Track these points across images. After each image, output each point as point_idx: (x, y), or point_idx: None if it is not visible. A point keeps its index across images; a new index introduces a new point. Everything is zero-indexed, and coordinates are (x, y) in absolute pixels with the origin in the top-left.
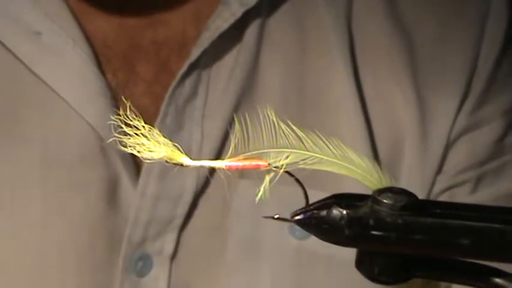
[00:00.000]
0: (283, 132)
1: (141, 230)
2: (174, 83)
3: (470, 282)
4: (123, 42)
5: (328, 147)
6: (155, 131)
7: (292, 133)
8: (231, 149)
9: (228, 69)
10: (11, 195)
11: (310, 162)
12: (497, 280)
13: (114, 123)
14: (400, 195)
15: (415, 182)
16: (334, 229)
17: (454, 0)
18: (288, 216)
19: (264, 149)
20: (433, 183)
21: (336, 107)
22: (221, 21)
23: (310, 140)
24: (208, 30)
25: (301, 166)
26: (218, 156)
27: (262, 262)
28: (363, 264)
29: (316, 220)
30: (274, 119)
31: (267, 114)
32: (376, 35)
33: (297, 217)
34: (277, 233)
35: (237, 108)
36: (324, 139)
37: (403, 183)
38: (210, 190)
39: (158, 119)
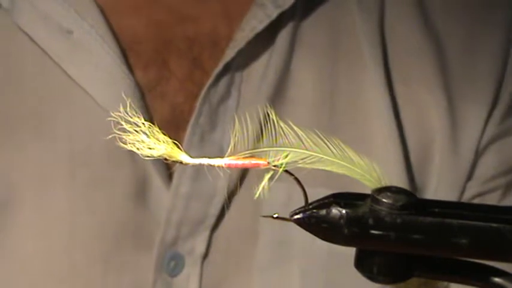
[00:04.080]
0: (283, 131)
1: (174, 230)
2: (209, 82)
3: (469, 281)
4: (154, 38)
5: (328, 146)
6: (155, 128)
7: (291, 132)
8: (230, 148)
9: (261, 71)
10: (39, 194)
11: (309, 161)
12: (496, 279)
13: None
14: (399, 194)
15: (444, 187)
16: (334, 228)
17: (481, 8)
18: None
19: (263, 147)
20: (463, 190)
21: (367, 111)
22: (256, 22)
23: (309, 139)
24: (243, 31)
25: (300, 165)
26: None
27: (292, 263)
28: (362, 264)
29: (315, 219)
30: (274, 117)
31: (267, 113)
32: (408, 41)
33: (296, 216)
34: (307, 234)
35: (271, 106)
36: (323, 138)
37: (432, 188)
38: (241, 191)
39: (192, 118)
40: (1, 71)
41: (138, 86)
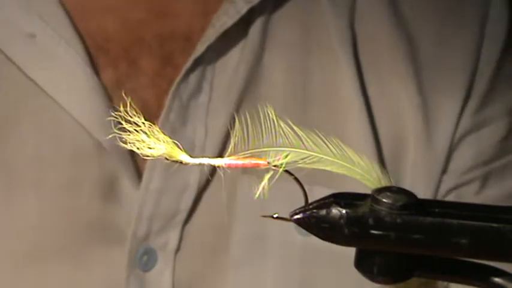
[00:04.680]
0: (283, 131)
1: (145, 225)
2: (178, 78)
3: (469, 281)
4: (124, 37)
5: (328, 146)
6: (155, 128)
7: (291, 132)
8: (230, 147)
9: (233, 66)
10: (6, 198)
11: (309, 161)
12: (496, 279)
13: (108, 123)
14: (399, 194)
15: (419, 180)
16: (334, 228)
17: (453, 0)
18: (287, 215)
19: (263, 147)
20: (439, 183)
21: (340, 104)
22: (226, 18)
23: (309, 139)
24: (213, 27)
25: (300, 165)
26: (221, 153)
27: (267, 259)
28: (362, 264)
29: (315, 219)
30: (274, 117)
31: (267, 112)
32: (379, 34)
33: (296, 216)
34: (283, 230)
35: (240, 105)
36: (323, 138)
37: (407, 182)
38: (214, 186)
39: (162, 114)
40: None
41: (104, 86)
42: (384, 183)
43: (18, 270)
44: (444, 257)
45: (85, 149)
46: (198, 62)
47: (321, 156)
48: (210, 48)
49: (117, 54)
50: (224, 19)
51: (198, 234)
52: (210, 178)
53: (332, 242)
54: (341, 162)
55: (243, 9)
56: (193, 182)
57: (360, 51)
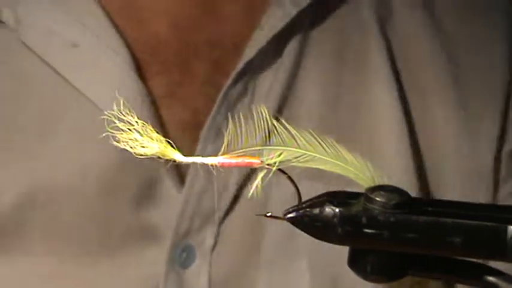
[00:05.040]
0: (277, 130)
1: (187, 223)
2: (228, 83)
3: (462, 280)
4: (177, 42)
5: (321, 145)
6: (148, 127)
7: (285, 131)
8: (223, 146)
9: (273, 72)
10: (50, 199)
11: (303, 160)
12: (489, 278)
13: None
14: (392, 193)
15: (470, 189)
16: (327, 227)
17: (485, 11)
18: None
19: (257, 146)
20: (495, 188)
21: (377, 118)
22: (276, 20)
23: (303, 137)
24: (262, 29)
25: (294, 164)
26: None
27: (299, 257)
28: (355, 262)
29: (308, 218)
30: (268, 116)
31: (261, 112)
32: (419, 46)
33: (290, 215)
34: None
35: (279, 110)
36: (317, 137)
37: (457, 191)
38: (251, 186)
39: (210, 118)
40: (8, 88)
41: (151, 92)
42: (377, 182)
43: (58, 267)
44: (438, 255)
45: (129, 153)
46: (246, 66)
47: (315, 155)
48: (259, 52)
49: (169, 61)
50: (273, 22)
51: (233, 232)
52: (248, 178)
53: (325, 240)
54: (335, 161)
55: (293, 11)
56: (233, 182)
57: (399, 63)
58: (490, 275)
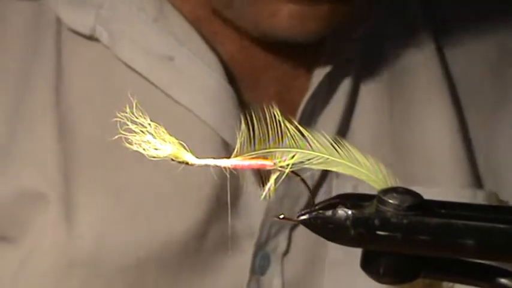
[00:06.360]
0: (289, 132)
1: (267, 231)
2: (309, 93)
3: (475, 282)
4: (248, 62)
5: (334, 147)
6: (161, 129)
7: (298, 133)
8: (236, 148)
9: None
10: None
11: (316, 162)
12: (503, 280)
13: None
14: (405, 195)
15: None
16: (340, 229)
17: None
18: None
19: (270, 148)
20: None
21: (434, 148)
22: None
23: (315, 140)
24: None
25: (307, 166)
26: (326, 171)
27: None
28: (368, 264)
29: (321, 220)
30: (281, 118)
31: (273, 114)
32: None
33: (302, 217)
34: None
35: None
36: (329, 139)
37: None
38: (322, 192)
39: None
40: (105, 102)
41: (241, 106)
42: (390, 184)
43: (145, 276)
44: (450, 257)
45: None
46: (327, 77)
47: (327, 157)
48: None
49: (245, 79)
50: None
51: (302, 237)
52: (318, 184)
53: (338, 243)
54: (347, 163)
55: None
56: (304, 188)
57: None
58: (503, 276)
